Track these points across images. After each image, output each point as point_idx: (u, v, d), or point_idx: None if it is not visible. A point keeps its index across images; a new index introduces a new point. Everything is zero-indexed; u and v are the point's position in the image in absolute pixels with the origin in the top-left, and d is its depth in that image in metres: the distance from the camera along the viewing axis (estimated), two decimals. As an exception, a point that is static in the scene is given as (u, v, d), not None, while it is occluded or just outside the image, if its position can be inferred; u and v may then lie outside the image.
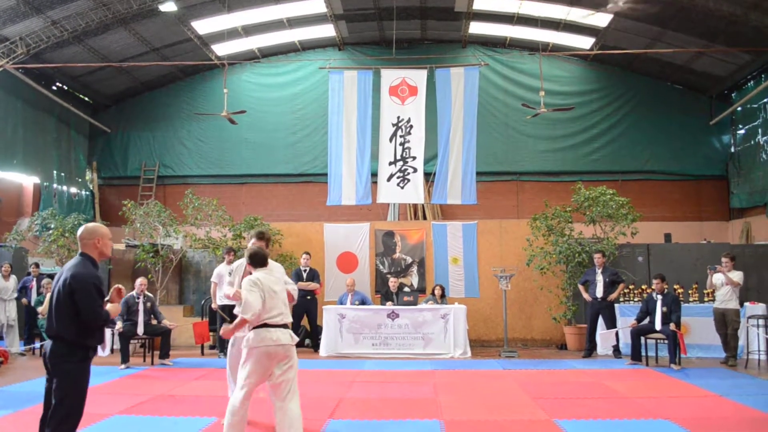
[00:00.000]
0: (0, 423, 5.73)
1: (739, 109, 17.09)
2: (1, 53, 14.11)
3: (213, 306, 10.28)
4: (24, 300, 11.07)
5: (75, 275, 3.97)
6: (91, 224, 4.29)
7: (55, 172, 17.32)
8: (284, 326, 4.82)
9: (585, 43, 16.98)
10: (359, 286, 11.55)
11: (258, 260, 5.01)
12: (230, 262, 10.45)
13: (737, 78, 16.77)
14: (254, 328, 4.72)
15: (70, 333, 3.96)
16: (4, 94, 15.17)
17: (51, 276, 11.41)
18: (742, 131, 17.34)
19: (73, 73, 17.03)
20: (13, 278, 10.84)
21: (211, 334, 11.41)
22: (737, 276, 9.20)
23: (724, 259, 9.30)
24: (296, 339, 4.92)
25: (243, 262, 5.64)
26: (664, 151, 17.91)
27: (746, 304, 9.89)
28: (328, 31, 17.64)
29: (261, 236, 5.66)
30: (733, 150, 17.80)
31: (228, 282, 6.13)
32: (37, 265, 11.60)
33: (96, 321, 3.99)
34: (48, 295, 10.25)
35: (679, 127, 17.87)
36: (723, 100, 17.78)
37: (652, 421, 5.81)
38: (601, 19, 15.50)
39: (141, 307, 9.45)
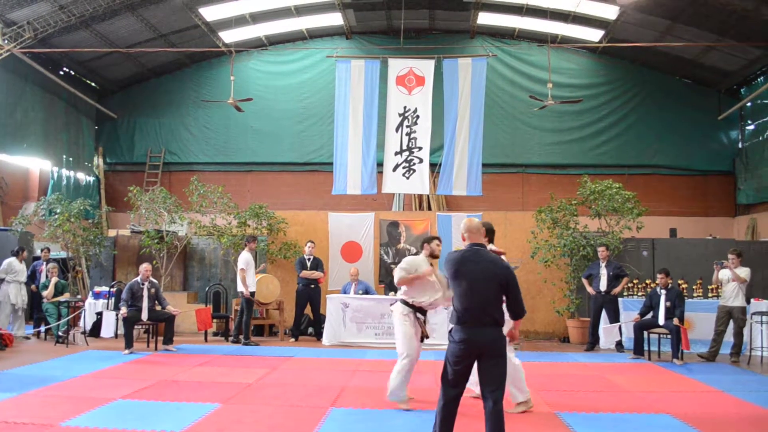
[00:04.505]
0: (4, 405, 5.77)
1: (748, 104, 16.96)
2: (9, 38, 14.09)
3: (244, 293, 10.27)
4: (33, 286, 11.10)
5: (508, 267, 4.49)
6: (475, 220, 4.64)
7: (64, 156, 17.33)
8: None
9: (594, 35, 16.84)
10: (363, 275, 11.57)
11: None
12: (251, 250, 10.54)
13: (747, 73, 16.65)
14: None
15: (502, 319, 4.37)
16: (12, 79, 15.17)
17: (57, 261, 11.46)
18: (751, 127, 17.24)
19: (81, 58, 17.00)
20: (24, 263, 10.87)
21: (214, 321, 11.45)
22: (744, 273, 9.12)
23: (731, 256, 9.24)
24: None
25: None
26: (672, 145, 17.78)
27: (752, 300, 9.86)
28: (335, 19, 17.56)
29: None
30: (740, 146, 17.69)
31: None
32: (48, 250, 11.63)
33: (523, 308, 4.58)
34: (53, 279, 10.37)
35: (687, 122, 17.73)
36: (732, 95, 17.65)
37: (654, 416, 5.82)
38: (611, 11, 15.37)
39: (145, 293, 9.49)
